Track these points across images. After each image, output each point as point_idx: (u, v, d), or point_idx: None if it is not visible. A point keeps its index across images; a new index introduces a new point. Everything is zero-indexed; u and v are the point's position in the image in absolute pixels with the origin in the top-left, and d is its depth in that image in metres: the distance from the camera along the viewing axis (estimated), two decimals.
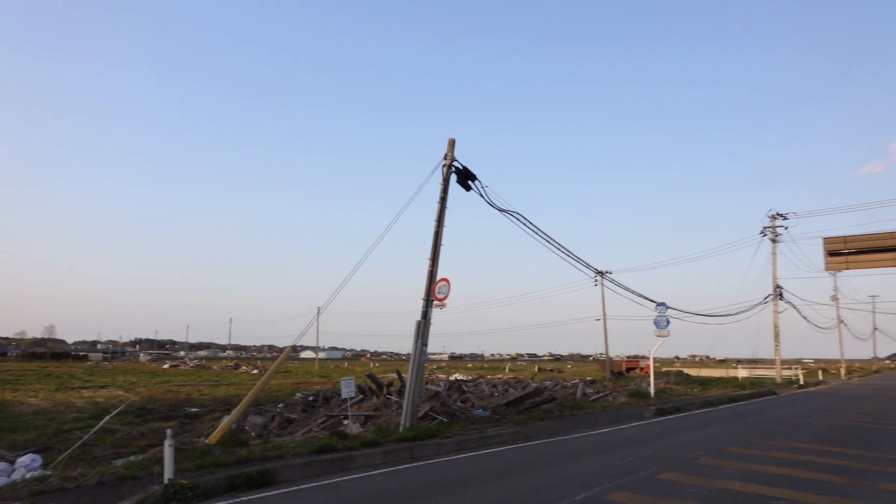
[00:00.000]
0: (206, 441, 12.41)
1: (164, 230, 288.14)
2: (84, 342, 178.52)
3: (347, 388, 14.20)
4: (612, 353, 49.97)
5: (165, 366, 79.35)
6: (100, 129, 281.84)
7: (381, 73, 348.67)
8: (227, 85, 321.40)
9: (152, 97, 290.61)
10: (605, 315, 43.36)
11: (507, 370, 70.88)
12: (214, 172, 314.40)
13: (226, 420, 14.24)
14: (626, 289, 34.65)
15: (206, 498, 7.70)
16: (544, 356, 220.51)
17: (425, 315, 14.51)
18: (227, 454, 10.04)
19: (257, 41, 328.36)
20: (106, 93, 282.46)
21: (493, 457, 11.06)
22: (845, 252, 23.99)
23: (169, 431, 8.44)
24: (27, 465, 10.91)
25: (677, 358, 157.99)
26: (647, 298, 30.47)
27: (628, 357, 74.33)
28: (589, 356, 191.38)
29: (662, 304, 26.22)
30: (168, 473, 7.90)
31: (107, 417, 16.07)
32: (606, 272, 40.12)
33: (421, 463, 10.44)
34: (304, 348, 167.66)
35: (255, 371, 64.24)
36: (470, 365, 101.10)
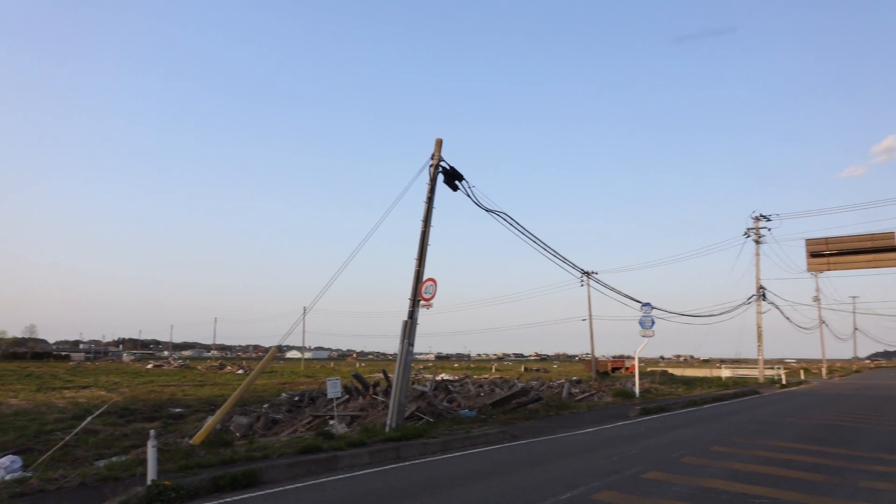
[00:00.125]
0: (191, 442, 12.31)
1: (148, 229, 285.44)
2: (66, 342, 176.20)
3: (333, 389, 14.16)
4: (597, 353, 50.28)
5: (149, 366, 78.53)
6: (82, 127, 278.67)
7: (368, 73, 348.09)
8: (217, 83, 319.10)
9: (141, 96, 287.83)
10: (590, 315, 43.61)
11: (493, 370, 71.06)
12: (200, 171, 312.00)
13: (210, 420, 14.13)
14: (612, 289, 34.90)
15: (189, 499, 7.63)
16: (531, 356, 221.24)
17: (412, 315, 14.50)
18: (212, 455, 9.97)
19: (245, 37, 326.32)
20: (95, 92, 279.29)
21: (479, 456, 11.08)
22: (827, 253, 24.31)
23: (152, 432, 8.35)
24: (7, 466, 10.74)
25: (662, 358, 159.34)
26: (632, 299, 30.72)
27: (614, 357, 74.71)
28: (575, 356, 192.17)
29: (647, 304, 26.40)
30: (151, 474, 7.82)
31: (89, 418, 15.87)
32: (592, 272, 40.39)
33: (407, 463, 10.43)
34: (290, 348, 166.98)
35: (240, 371, 63.74)
36: (456, 365, 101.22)
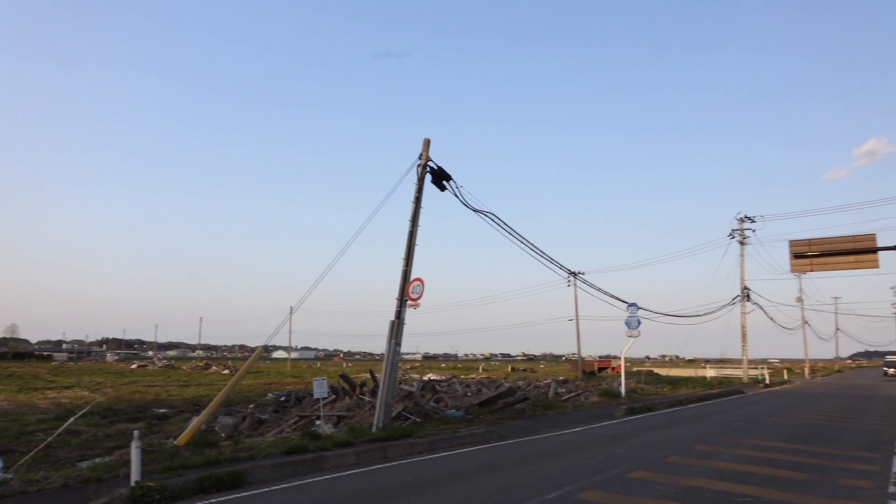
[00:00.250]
0: (175, 442, 12.22)
1: (133, 228, 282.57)
2: (48, 342, 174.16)
3: (320, 389, 14.10)
4: (584, 353, 50.54)
5: (133, 366, 77.70)
6: (66, 126, 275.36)
7: (357, 72, 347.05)
8: (207, 83, 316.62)
9: (130, 94, 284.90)
10: (577, 315, 43.82)
11: (480, 370, 71.12)
12: (186, 170, 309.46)
13: (195, 421, 14.03)
14: (599, 289, 35.10)
15: (174, 500, 7.56)
16: (518, 356, 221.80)
17: (399, 315, 14.49)
18: (197, 456, 9.89)
19: (232, 35, 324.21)
20: (87, 94, 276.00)
21: (465, 456, 11.10)
22: (810, 255, 24.57)
23: (136, 433, 8.27)
24: None
25: (648, 358, 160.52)
26: (618, 299, 30.92)
27: (600, 357, 75.08)
28: (561, 356, 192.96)
29: (633, 304, 26.57)
30: (135, 476, 7.75)
31: (72, 419, 15.71)
32: (579, 273, 40.61)
33: (394, 463, 10.42)
34: (276, 348, 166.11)
35: (225, 371, 63.31)
36: (444, 365, 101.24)
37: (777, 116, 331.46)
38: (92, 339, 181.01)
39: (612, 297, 31.22)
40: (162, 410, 24.26)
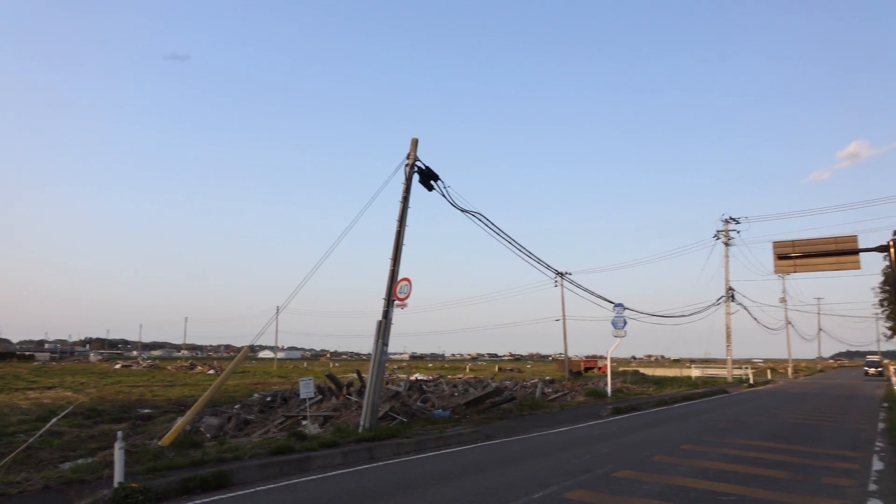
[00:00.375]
0: (159, 443, 12.11)
1: (117, 227, 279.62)
2: (30, 341, 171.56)
3: (306, 389, 14.03)
4: (571, 354, 50.72)
5: (117, 366, 76.83)
6: (46, 125, 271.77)
7: (346, 71, 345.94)
8: (197, 82, 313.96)
9: (120, 93, 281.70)
10: (564, 315, 44.00)
11: (467, 370, 71.14)
12: (171, 169, 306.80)
13: (180, 421, 13.91)
14: (585, 290, 35.26)
15: (158, 501, 7.49)
16: (505, 356, 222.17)
17: (386, 315, 14.46)
18: (181, 456, 9.80)
19: (221, 33, 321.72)
20: (73, 92, 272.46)
21: (452, 456, 11.10)
22: (793, 256, 24.83)
23: (120, 433, 8.19)
24: None
25: (634, 358, 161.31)
26: (605, 299, 31.01)
27: (587, 357, 75.38)
28: (548, 356, 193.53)
29: (620, 304, 26.72)
30: (118, 477, 7.66)
31: (54, 419, 15.51)
32: (566, 273, 40.72)
33: (380, 463, 10.39)
34: (263, 348, 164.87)
35: (211, 371, 62.83)
36: (431, 365, 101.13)
37: (763, 119, 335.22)
38: (75, 338, 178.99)
39: (599, 297, 31.31)
40: (146, 411, 24.02)
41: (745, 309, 49.41)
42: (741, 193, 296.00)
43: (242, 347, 19.76)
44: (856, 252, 23.57)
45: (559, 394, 26.70)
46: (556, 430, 15.03)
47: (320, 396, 19.17)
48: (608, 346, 28.10)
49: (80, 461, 11.14)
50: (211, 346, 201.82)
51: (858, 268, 24.16)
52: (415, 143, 15.31)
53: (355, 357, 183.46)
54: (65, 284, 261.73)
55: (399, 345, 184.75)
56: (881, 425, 16.65)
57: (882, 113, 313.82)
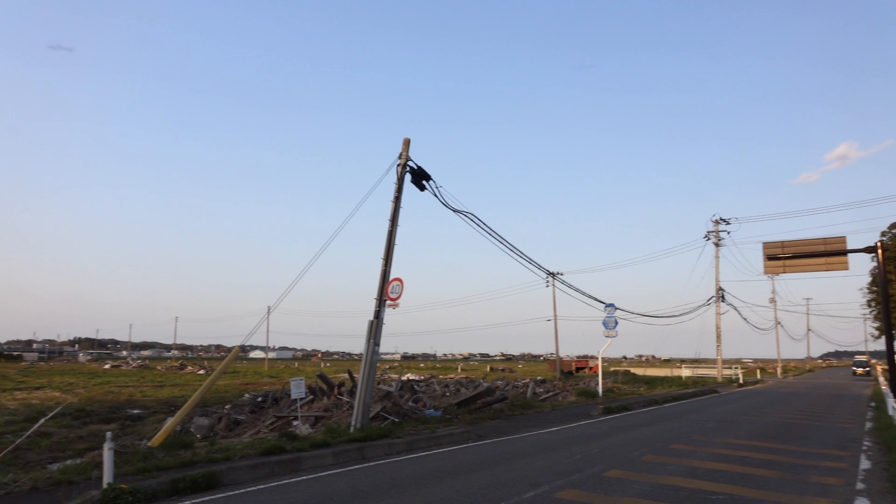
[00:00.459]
0: (149, 444, 12.05)
1: (106, 226, 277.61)
2: (18, 341, 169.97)
3: (297, 389, 13.99)
4: (562, 353, 50.87)
5: (106, 366, 76.38)
6: (32, 124, 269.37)
7: (337, 71, 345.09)
8: (186, 80, 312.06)
9: (108, 93, 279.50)
10: (555, 315, 44.10)
11: (459, 370, 71.21)
12: (161, 169, 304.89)
13: (170, 422, 13.84)
14: (577, 290, 35.36)
15: (147, 502, 7.45)
16: (496, 356, 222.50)
17: (378, 315, 14.45)
18: (171, 457, 9.75)
19: (209, 32, 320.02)
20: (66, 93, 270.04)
21: (444, 456, 11.10)
22: (783, 256, 25.00)
23: (109, 434, 8.13)
24: None
25: (625, 358, 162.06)
26: (596, 299, 31.16)
27: (578, 357, 75.61)
28: (540, 356, 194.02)
29: (611, 304, 26.81)
30: (107, 478, 7.61)
31: (42, 420, 15.40)
32: (558, 273, 40.84)
33: (372, 463, 10.38)
34: (254, 348, 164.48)
35: (201, 371, 62.53)
36: (422, 365, 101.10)
37: (753, 120, 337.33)
38: (64, 338, 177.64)
39: (590, 297, 31.52)
40: (136, 411, 23.89)
41: (735, 309, 49.77)
42: (732, 194, 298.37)
43: (233, 347, 19.68)
44: (844, 253, 23.76)
45: (550, 394, 26.76)
46: (548, 429, 15.07)
47: (311, 397, 19.12)
48: (599, 346, 28.22)
49: (68, 462, 11.06)
50: (201, 346, 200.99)
51: (847, 268, 24.37)
52: (407, 142, 15.31)
53: (347, 357, 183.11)
54: (53, 284, 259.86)
55: (391, 345, 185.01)
56: (868, 424, 16.81)
57: (870, 115, 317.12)
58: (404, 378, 34.64)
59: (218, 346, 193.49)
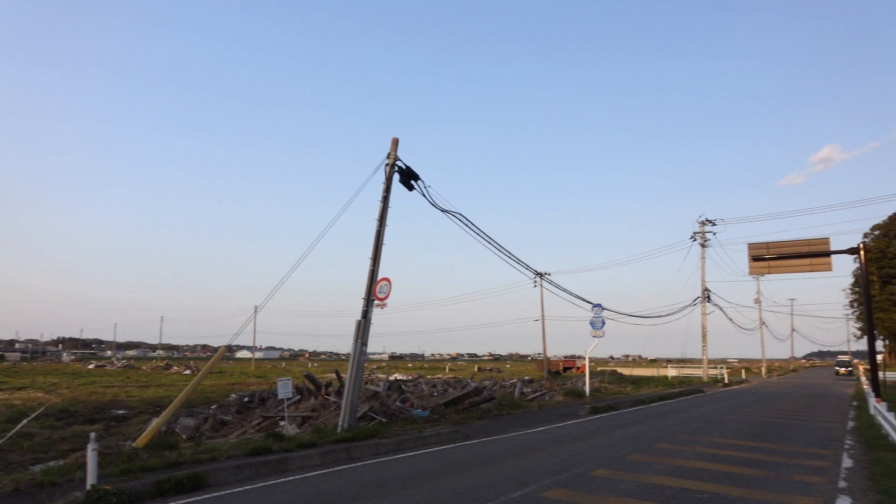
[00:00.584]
0: (134, 444, 11.92)
1: (90, 224, 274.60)
2: (0, 341, 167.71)
3: (284, 389, 13.92)
4: (549, 353, 51.03)
5: (91, 366, 75.50)
6: (15, 123, 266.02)
7: (329, 69, 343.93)
8: (173, 78, 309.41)
9: (94, 93, 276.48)
10: (543, 315, 44.21)
11: (447, 370, 71.18)
12: (147, 167, 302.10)
13: (155, 422, 13.71)
14: (564, 290, 35.49)
15: None
16: (484, 356, 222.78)
17: (366, 315, 14.41)
18: (156, 458, 9.66)
19: (195, 29, 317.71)
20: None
21: (431, 456, 11.10)
22: (768, 257, 25.25)
23: (93, 435, 8.04)
24: None
25: (612, 358, 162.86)
26: (583, 300, 31.28)
27: (565, 357, 75.88)
28: (527, 356, 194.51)
29: (598, 305, 26.94)
30: (91, 479, 7.53)
31: (24, 421, 15.20)
32: (545, 273, 40.96)
33: (359, 464, 10.35)
34: (240, 348, 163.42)
35: (187, 371, 62.04)
36: (410, 365, 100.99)
37: (740, 122, 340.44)
38: (47, 338, 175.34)
39: (578, 297, 31.62)
40: (120, 412, 23.65)
41: (721, 309, 50.17)
42: (718, 195, 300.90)
43: (219, 347, 19.54)
44: (828, 254, 24.02)
45: (538, 393, 26.84)
46: (535, 429, 15.11)
47: (298, 397, 19.02)
48: (587, 346, 28.34)
49: (51, 463, 10.92)
50: (187, 345, 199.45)
51: (830, 269, 24.64)
52: (395, 142, 15.29)
53: (334, 357, 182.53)
54: (37, 282, 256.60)
55: (378, 345, 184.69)
56: (851, 423, 17.03)
57: (852, 118, 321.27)
58: (392, 378, 34.58)
59: (204, 346, 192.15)
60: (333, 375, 24.28)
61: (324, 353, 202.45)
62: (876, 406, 16.45)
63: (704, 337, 45.75)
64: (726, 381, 44.51)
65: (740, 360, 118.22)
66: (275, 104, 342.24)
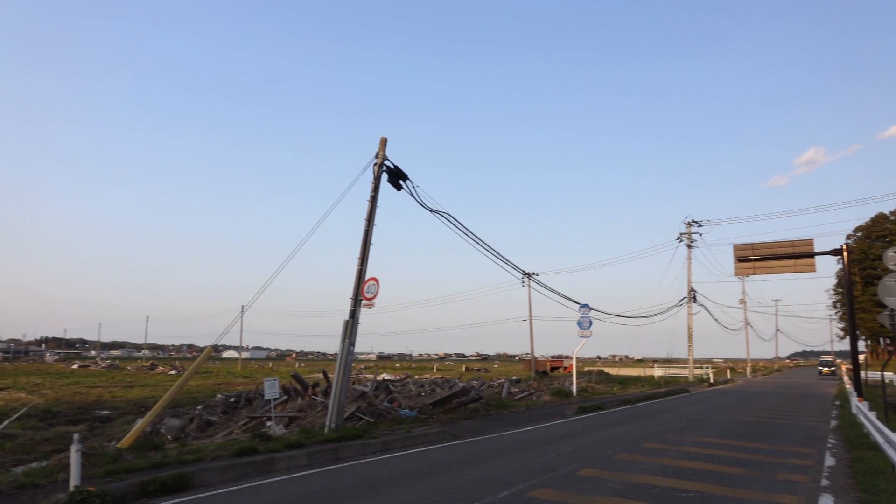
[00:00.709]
0: (118, 445, 11.82)
1: (74, 223, 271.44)
2: None
3: (271, 389, 13.85)
4: (537, 353, 51.16)
5: (74, 366, 74.67)
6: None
7: (317, 69, 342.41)
8: (164, 76, 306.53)
9: (85, 93, 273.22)
10: (531, 316, 44.33)
11: (434, 370, 71.17)
12: (132, 165, 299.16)
13: (139, 423, 13.60)
14: (552, 290, 35.62)
15: None
16: (472, 356, 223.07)
17: (353, 314, 14.38)
18: (141, 459, 9.57)
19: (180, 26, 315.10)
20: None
21: (418, 456, 11.09)
22: (753, 258, 25.52)
23: (76, 436, 7.96)
24: None
25: (599, 358, 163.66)
26: (571, 300, 31.42)
27: (553, 357, 76.11)
28: (515, 356, 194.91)
29: (586, 305, 27.06)
30: (74, 480, 7.45)
31: (6, 422, 15.00)
32: (533, 274, 41.09)
33: (346, 464, 10.32)
34: (227, 348, 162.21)
35: (172, 372, 61.55)
36: (398, 365, 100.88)
37: (724, 124, 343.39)
38: (30, 337, 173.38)
39: (565, 297, 31.76)
40: (104, 412, 23.43)
41: (707, 310, 50.68)
42: (704, 196, 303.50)
43: (205, 347, 19.41)
44: (811, 255, 24.33)
45: (525, 393, 26.91)
46: (522, 429, 15.15)
47: (285, 397, 18.93)
48: (574, 346, 28.47)
49: (34, 464, 10.81)
50: (173, 345, 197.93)
51: (814, 270, 25.00)
52: (383, 142, 15.26)
53: (321, 357, 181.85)
54: (19, 281, 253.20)
55: (366, 345, 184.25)
56: (833, 423, 17.25)
57: (836, 121, 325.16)
58: (380, 378, 34.49)
59: (190, 346, 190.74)
60: (321, 375, 24.20)
61: (311, 353, 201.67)
62: (858, 405, 16.67)
63: (690, 337, 46.13)
64: (712, 380, 44.89)
65: (725, 360, 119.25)
66: (262, 103, 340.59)
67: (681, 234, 46.91)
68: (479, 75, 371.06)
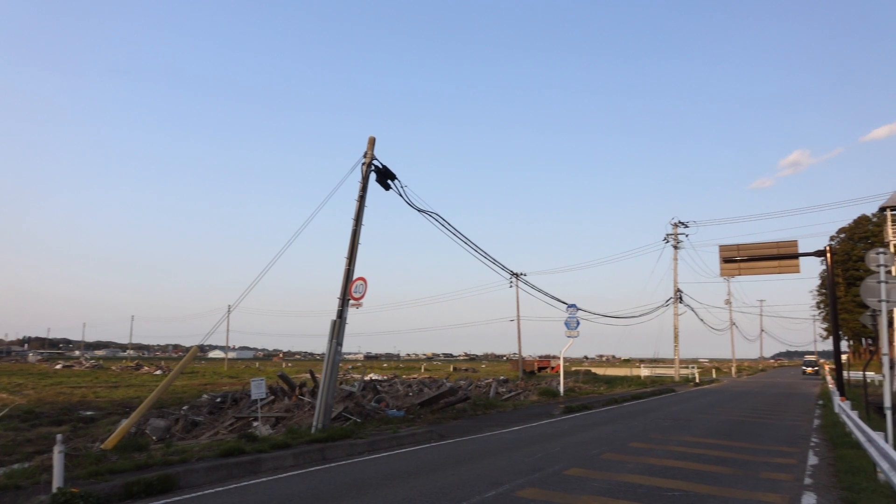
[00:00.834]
0: (102, 446, 11.70)
1: (58, 222, 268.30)
2: None
3: (258, 389, 13.77)
4: (525, 353, 51.29)
5: (58, 366, 73.73)
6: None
7: (306, 67, 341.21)
8: (142, 74, 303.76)
9: (71, 92, 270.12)
10: (518, 316, 44.46)
11: (422, 370, 71.13)
12: (118, 164, 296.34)
13: (124, 424, 13.47)
14: (539, 290, 35.71)
15: None
16: (460, 356, 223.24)
17: (341, 314, 14.34)
18: (125, 460, 9.48)
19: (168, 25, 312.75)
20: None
21: (406, 456, 11.08)
22: (738, 259, 25.78)
23: (59, 436, 7.86)
24: None
25: (586, 358, 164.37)
26: (558, 300, 31.51)
27: (540, 357, 76.38)
28: (503, 356, 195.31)
29: (573, 305, 27.17)
30: (57, 482, 7.37)
31: None
32: (521, 274, 41.19)
33: (333, 464, 10.29)
34: (213, 348, 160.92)
35: (158, 372, 61.00)
36: (385, 365, 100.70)
37: (710, 126, 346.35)
38: (12, 337, 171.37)
39: (553, 298, 31.83)
40: (88, 413, 23.17)
41: (693, 310, 51.15)
42: (690, 198, 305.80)
43: (191, 347, 19.26)
44: (796, 256, 24.63)
45: (513, 393, 26.97)
46: (510, 429, 15.19)
47: (272, 397, 18.83)
48: (561, 346, 28.57)
49: (15, 466, 10.65)
50: (158, 345, 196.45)
51: (798, 271, 25.32)
52: (372, 141, 15.23)
53: (309, 357, 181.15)
54: (1, 280, 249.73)
55: (354, 344, 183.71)
56: (816, 422, 17.47)
57: (821, 123, 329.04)
58: (367, 378, 34.39)
59: (175, 346, 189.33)
60: (308, 375, 24.09)
61: (298, 353, 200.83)
62: (840, 405, 16.87)
63: (676, 337, 46.49)
64: (697, 380, 45.27)
65: (711, 360, 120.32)
66: (251, 102, 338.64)
67: (667, 234, 47.32)
68: (479, 75, 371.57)
